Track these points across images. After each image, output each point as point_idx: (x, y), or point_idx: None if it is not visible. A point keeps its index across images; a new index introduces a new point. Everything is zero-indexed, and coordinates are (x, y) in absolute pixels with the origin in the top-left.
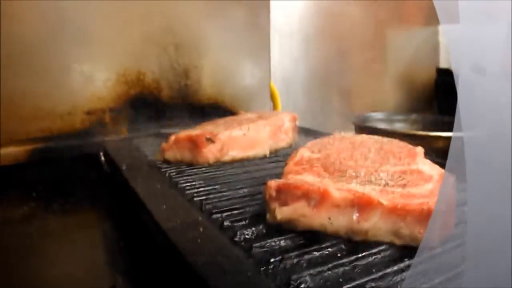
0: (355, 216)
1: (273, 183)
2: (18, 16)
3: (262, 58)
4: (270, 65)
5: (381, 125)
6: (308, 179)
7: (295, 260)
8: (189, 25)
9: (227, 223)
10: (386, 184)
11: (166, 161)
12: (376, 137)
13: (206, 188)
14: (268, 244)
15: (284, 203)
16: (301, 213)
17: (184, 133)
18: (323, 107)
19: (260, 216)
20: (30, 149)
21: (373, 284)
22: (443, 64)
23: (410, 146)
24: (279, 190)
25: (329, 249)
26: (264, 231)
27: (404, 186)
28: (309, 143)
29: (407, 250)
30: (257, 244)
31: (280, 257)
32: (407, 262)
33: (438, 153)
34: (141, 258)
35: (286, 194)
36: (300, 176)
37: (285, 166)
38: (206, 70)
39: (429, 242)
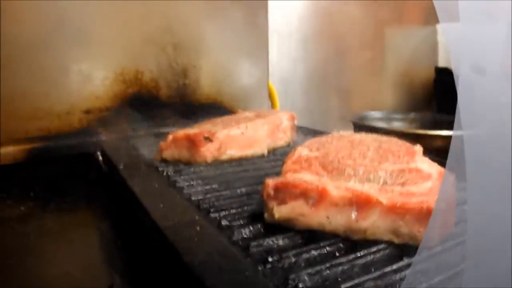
0: (353, 215)
1: (271, 182)
2: (16, 16)
3: (260, 57)
4: (269, 65)
5: (380, 124)
6: (306, 177)
7: (293, 259)
8: (187, 24)
9: (224, 222)
10: (385, 183)
11: (164, 160)
12: (374, 135)
13: (203, 187)
14: (266, 243)
15: (282, 202)
16: (299, 212)
17: (182, 132)
18: (322, 107)
19: (258, 215)
20: (28, 148)
21: (372, 283)
22: (441, 63)
23: (409, 145)
24: (277, 188)
25: (328, 248)
26: (262, 230)
27: (403, 184)
28: (307, 141)
29: (406, 249)
30: (255, 243)
31: (278, 256)
32: (406, 261)
33: (437, 152)
34: (139, 257)
35: (284, 193)
36: (298, 174)
37: (283, 165)
38: (205, 70)
39: (429, 241)
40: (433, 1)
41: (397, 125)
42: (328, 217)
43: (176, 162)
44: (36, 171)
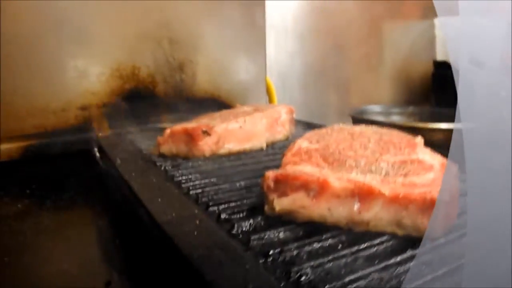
0: (356, 207)
1: (271, 174)
2: (12, 13)
3: (257, 53)
4: (266, 60)
5: (378, 118)
6: (306, 169)
7: (294, 252)
8: (183, 19)
9: (224, 216)
10: (387, 174)
11: (162, 155)
12: (374, 127)
13: (202, 181)
14: (266, 236)
15: (282, 194)
16: (300, 204)
17: (180, 126)
18: (319, 102)
19: (258, 208)
20: (24, 146)
21: (376, 275)
22: (439, 57)
23: (410, 137)
24: (277, 181)
25: (330, 241)
26: (262, 223)
27: (405, 175)
28: (307, 134)
29: (409, 241)
30: (256, 237)
31: (280, 249)
32: (410, 253)
33: (436, 145)
34: (137, 253)
35: (284, 185)
36: (298, 166)
37: (283, 157)
38: (202, 65)
39: (432, 232)
40: None
41: (396, 119)
42: (329, 209)
43: (174, 157)
44: (32, 169)
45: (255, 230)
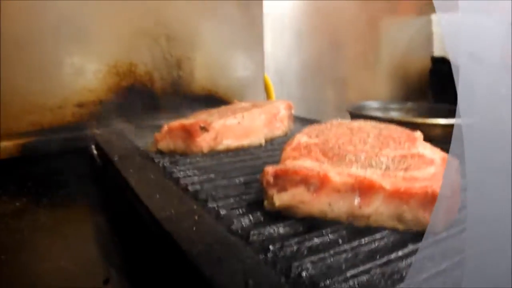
0: (356, 201)
1: (270, 169)
2: (9, 12)
3: (255, 49)
4: (264, 57)
5: (376, 114)
6: (306, 164)
7: (295, 247)
8: (180, 16)
9: (223, 212)
10: (388, 168)
11: (159, 152)
12: (373, 123)
13: (200, 178)
14: (266, 231)
15: (282, 189)
16: (300, 199)
17: (177, 122)
18: (317, 98)
19: (257, 204)
20: (21, 143)
21: (378, 270)
22: (437, 53)
23: (409, 131)
24: (277, 176)
25: (330, 236)
26: (262, 218)
27: (406, 169)
28: (305, 129)
29: (411, 236)
30: (255, 232)
31: (280, 244)
32: (411, 248)
33: (435, 141)
34: (135, 250)
35: (284, 180)
36: (298, 161)
37: (282, 152)
38: (199, 62)
39: (433, 227)
40: None
41: (394, 114)
42: (330, 204)
43: (171, 153)
44: (29, 166)
45: (255, 225)
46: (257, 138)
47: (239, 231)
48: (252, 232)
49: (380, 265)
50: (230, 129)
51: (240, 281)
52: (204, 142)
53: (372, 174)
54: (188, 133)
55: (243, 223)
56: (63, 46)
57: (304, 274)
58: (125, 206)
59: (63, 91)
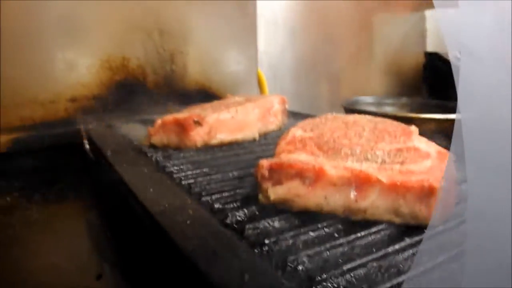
0: (352, 195)
1: (265, 162)
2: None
3: (249, 44)
4: (257, 51)
5: (371, 109)
6: (301, 158)
7: (290, 241)
8: (173, 10)
9: (217, 206)
10: (383, 162)
11: (153, 146)
12: (368, 116)
13: (194, 172)
14: (261, 225)
15: (277, 183)
16: (296, 193)
17: (171, 117)
18: (311, 93)
19: (251, 198)
20: (12, 138)
21: (374, 264)
22: (430, 49)
23: (404, 125)
24: (271, 169)
25: (326, 229)
26: (256, 212)
27: (402, 163)
28: (300, 122)
29: (407, 229)
30: (250, 226)
31: (275, 238)
32: (408, 241)
33: (429, 136)
34: (129, 245)
35: (279, 174)
36: (293, 155)
37: (277, 146)
38: (192, 56)
39: (431, 220)
40: None
41: (388, 110)
42: (326, 198)
43: (165, 148)
44: (20, 162)
45: (250, 219)
46: (251, 132)
47: (234, 225)
48: (247, 226)
49: (377, 259)
50: (224, 123)
51: (236, 276)
52: (198, 136)
53: (368, 168)
54: (182, 127)
55: (238, 217)
56: (55, 41)
57: (300, 268)
58: (118, 201)
59: (55, 86)
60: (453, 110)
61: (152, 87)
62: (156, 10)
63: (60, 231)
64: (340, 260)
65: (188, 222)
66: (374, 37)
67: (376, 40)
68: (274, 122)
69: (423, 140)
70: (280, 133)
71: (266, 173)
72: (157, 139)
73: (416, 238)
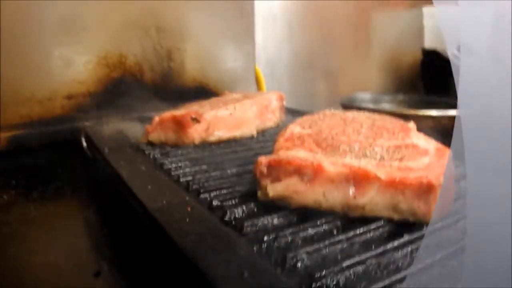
0: (351, 191)
1: (263, 159)
2: None
3: (246, 40)
4: (255, 48)
5: (368, 105)
6: (300, 154)
7: (289, 238)
8: (171, 7)
9: (216, 203)
10: (382, 158)
11: (150, 143)
12: (366, 113)
13: (192, 169)
14: (260, 222)
15: (276, 180)
16: (294, 190)
17: (169, 114)
18: (308, 89)
19: (250, 195)
20: (9, 136)
21: (374, 261)
22: (428, 46)
23: (403, 122)
24: (270, 166)
25: (325, 226)
26: (255, 209)
27: (400, 160)
28: (298, 119)
29: (406, 226)
30: (249, 223)
31: (274, 235)
32: (406, 238)
33: (427, 132)
34: (127, 243)
35: (278, 170)
36: (291, 152)
37: (275, 143)
38: (190, 53)
39: (429, 217)
40: None
41: (386, 106)
42: (324, 194)
43: (162, 145)
44: (17, 159)
45: (248, 216)
46: (249, 129)
47: (233, 222)
48: (245, 223)
49: (376, 256)
50: (222, 120)
51: (235, 273)
52: (195, 133)
53: (367, 164)
54: (180, 125)
55: (236, 214)
56: (51, 38)
57: (299, 265)
58: (116, 198)
59: (52, 83)
60: (450, 106)
61: (150, 84)
62: (153, 7)
63: (57, 228)
64: (339, 257)
65: (186, 219)
66: (371, 34)
67: (374, 36)
68: (272, 119)
69: (421, 136)
70: (278, 130)
71: (264, 170)
72: (155, 136)
73: (415, 235)
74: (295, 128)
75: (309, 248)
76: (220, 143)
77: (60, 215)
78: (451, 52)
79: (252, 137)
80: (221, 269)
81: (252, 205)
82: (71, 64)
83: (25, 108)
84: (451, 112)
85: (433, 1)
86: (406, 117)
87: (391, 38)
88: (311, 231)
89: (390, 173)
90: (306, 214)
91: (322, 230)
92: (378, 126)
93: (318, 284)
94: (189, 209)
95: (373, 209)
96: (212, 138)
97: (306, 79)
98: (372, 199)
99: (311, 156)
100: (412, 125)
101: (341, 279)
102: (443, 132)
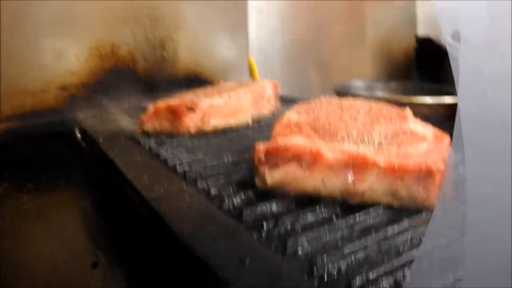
0: (350, 178)
1: (261, 146)
2: None
3: (239, 29)
4: (248, 38)
5: (363, 93)
6: (298, 141)
7: (289, 225)
8: None
9: (214, 191)
10: (380, 145)
11: (145, 133)
12: (363, 100)
13: (188, 158)
14: (259, 209)
15: (274, 167)
16: (293, 176)
17: (163, 103)
18: (301, 78)
19: (248, 182)
20: (2, 128)
21: (374, 247)
22: (421, 33)
23: (399, 109)
24: (268, 153)
25: (325, 213)
26: (253, 197)
27: (399, 145)
28: (295, 106)
29: (406, 212)
30: (248, 211)
31: (273, 222)
32: (406, 224)
33: (423, 119)
34: (124, 233)
35: (276, 157)
36: (289, 138)
37: (272, 130)
38: (183, 42)
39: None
40: None
41: (380, 94)
42: (323, 181)
43: (157, 135)
44: (11, 151)
45: (247, 204)
46: (244, 117)
47: (232, 210)
48: (244, 211)
49: (377, 242)
50: (217, 109)
51: (237, 261)
52: (191, 122)
53: (365, 151)
54: (175, 114)
55: (235, 202)
56: (43, 28)
57: (300, 251)
58: (111, 189)
59: (45, 75)
60: (445, 93)
61: (143, 74)
62: None
63: (53, 220)
64: (340, 243)
65: (184, 208)
66: (364, 21)
67: (367, 24)
68: (267, 107)
69: (419, 122)
70: (273, 118)
71: (262, 157)
72: (150, 126)
73: (415, 220)
74: (292, 114)
75: (309, 235)
76: (216, 132)
77: (56, 206)
78: (446, 40)
79: (247, 126)
80: (221, 257)
81: (250, 192)
82: (63, 55)
83: (18, 100)
84: (446, 99)
85: None
86: (401, 104)
87: (384, 26)
88: (310, 218)
89: (389, 159)
90: (305, 201)
91: (322, 217)
92: (375, 113)
93: (319, 271)
94: (187, 198)
95: (372, 195)
96: (208, 127)
97: (299, 67)
98: (371, 186)
99: (309, 142)
100: (408, 111)
101: (343, 265)
102: (438, 119)
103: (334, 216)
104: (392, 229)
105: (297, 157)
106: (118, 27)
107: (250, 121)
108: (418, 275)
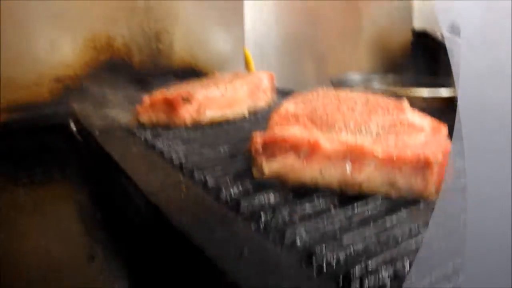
0: (348, 168)
1: (259, 136)
2: None
3: (235, 22)
4: (244, 30)
5: (359, 85)
6: (295, 131)
7: (287, 216)
8: None
9: (211, 182)
10: (378, 135)
11: (141, 125)
12: (360, 92)
13: (185, 149)
14: (256, 200)
15: (271, 157)
16: (291, 167)
17: (159, 94)
18: (297, 70)
19: (245, 173)
20: None
21: (373, 237)
22: (417, 27)
23: (396, 100)
24: (265, 143)
25: (323, 203)
26: (251, 188)
27: (397, 136)
28: (292, 97)
29: (404, 202)
30: (245, 201)
31: (271, 213)
32: (404, 214)
33: (420, 111)
34: (120, 226)
35: (273, 148)
36: (286, 128)
37: (270, 120)
38: (179, 34)
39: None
40: None
41: (377, 86)
42: (321, 171)
43: (153, 126)
44: (5, 145)
45: (244, 195)
46: (240, 109)
47: (229, 201)
48: (242, 202)
49: (375, 232)
50: (213, 101)
51: (235, 251)
52: (187, 114)
53: (363, 141)
54: (171, 105)
55: (232, 193)
56: (38, 20)
57: (298, 242)
58: (107, 181)
59: (39, 67)
60: (441, 86)
61: (138, 66)
62: None
63: (49, 213)
64: (338, 234)
65: (181, 199)
66: (361, 14)
67: (363, 17)
68: (263, 99)
69: (416, 113)
70: (269, 110)
71: (260, 147)
72: (145, 117)
73: (413, 211)
74: (289, 105)
75: (308, 225)
76: (212, 123)
77: (51, 199)
78: (443, 34)
79: (244, 117)
80: (219, 248)
81: (247, 183)
82: (58, 47)
83: (13, 92)
84: (442, 92)
85: None
86: (397, 97)
87: (380, 19)
88: (308, 208)
89: (387, 149)
90: (303, 191)
91: (320, 207)
92: (372, 104)
93: (318, 261)
94: (184, 189)
95: (370, 186)
96: (204, 118)
97: (295, 60)
98: (369, 176)
99: (307, 133)
100: (405, 102)
101: (341, 255)
102: (434, 111)
103: (332, 207)
104: (390, 219)
105: (294, 148)
106: (114, 19)
107: (246, 113)
108: (417, 265)
